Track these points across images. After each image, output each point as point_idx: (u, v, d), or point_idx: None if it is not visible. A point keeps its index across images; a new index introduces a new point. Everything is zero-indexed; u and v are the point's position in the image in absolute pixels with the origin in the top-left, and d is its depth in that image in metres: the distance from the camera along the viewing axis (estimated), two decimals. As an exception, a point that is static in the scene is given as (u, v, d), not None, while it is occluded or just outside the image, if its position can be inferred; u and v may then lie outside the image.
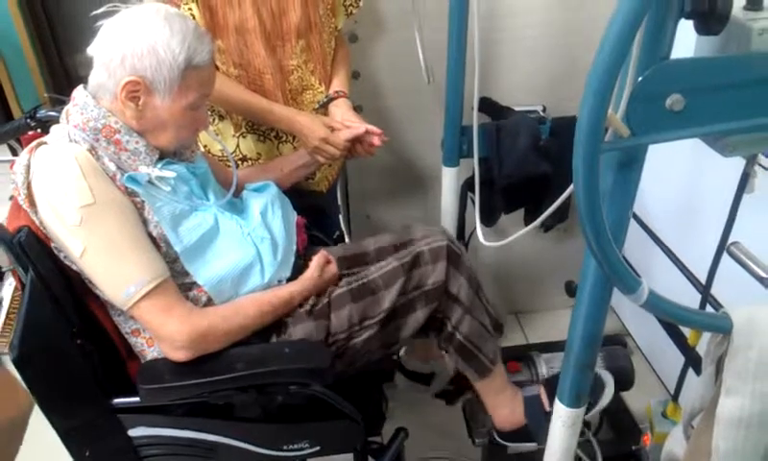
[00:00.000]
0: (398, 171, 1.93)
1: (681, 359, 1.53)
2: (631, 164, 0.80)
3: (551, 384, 1.35)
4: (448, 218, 1.71)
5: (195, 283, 1.10)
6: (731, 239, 1.23)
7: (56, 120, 1.17)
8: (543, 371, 1.52)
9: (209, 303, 1.11)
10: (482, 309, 1.29)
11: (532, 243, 2.05)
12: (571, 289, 1.91)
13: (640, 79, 0.67)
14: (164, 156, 1.14)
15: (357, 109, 1.64)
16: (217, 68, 1.39)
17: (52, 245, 1.04)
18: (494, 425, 1.40)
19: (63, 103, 1.14)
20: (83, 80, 1.12)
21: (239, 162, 1.50)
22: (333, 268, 1.26)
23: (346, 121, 1.42)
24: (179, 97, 1.07)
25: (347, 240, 1.82)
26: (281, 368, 1.04)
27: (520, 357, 1.54)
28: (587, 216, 0.71)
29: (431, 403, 1.60)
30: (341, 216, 1.93)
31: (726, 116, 0.72)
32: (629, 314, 2.10)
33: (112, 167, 1.04)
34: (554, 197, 1.75)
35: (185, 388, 1.03)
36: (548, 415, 1.24)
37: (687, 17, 0.68)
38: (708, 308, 1.43)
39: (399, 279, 1.19)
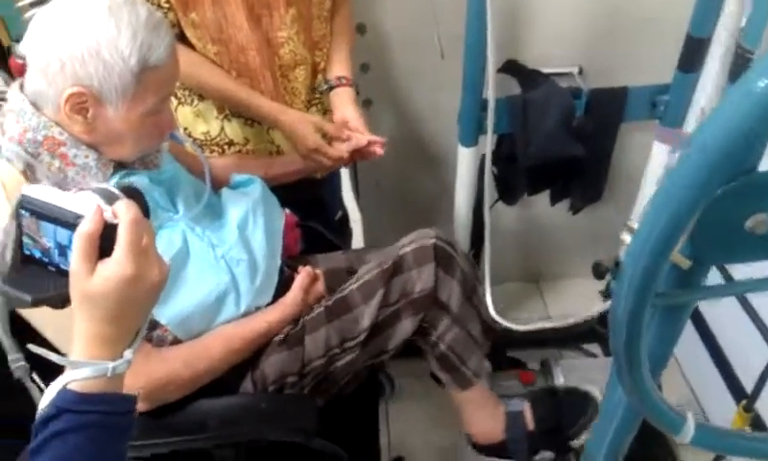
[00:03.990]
0: (411, 137, 1.72)
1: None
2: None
3: (540, 404, 1.27)
4: (463, 200, 1.51)
5: (158, 322, 0.96)
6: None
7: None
8: (561, 380, 1.38)
9: (176, 341, 0.97)
10: (473, 315, 1.15)
11: (557, 211, 1.85)
12: (600, 271, 1.72)
13: (719, 192, 0.47)
14: (122, 165, 0.96)
15: (367, 103, 1.42)
16: (192, 47, 1.17)
17: None
18: (470, 436, 1.30)
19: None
20: None
21: (225, 147, 1.31)
22: (320, 288, 1.10)
23: (346, 122, 1.22)
24: (134, 104, 0.88)
25: (351, 221, 1.64)
26: (257, 428, 0.91)
27: (533, 368, 1.40)
28: (626, 369, 0.54)
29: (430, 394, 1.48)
30: (346, 190, 1.74)
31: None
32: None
33: (52, 192, 0.87)
34: (585, 179, 1.56)
35: (148, 447, 0.91)
36: (531, 435, 1.20)
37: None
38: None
39: (379, 290, 1.05)
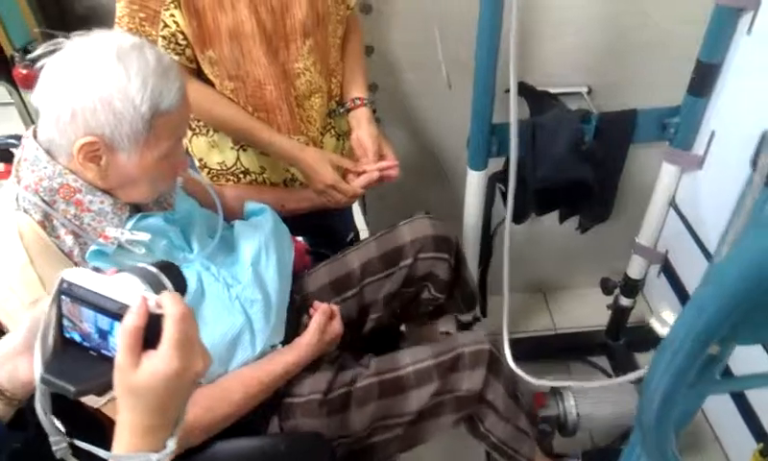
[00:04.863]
0: (419, 155, 1.72)
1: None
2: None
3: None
4: (472, 221, 1.52)
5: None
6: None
7: (16, 148, 1.00)
8: (571, 404, 1.38)
9: (192, 385, 0.98)
10: (518, 411, 1.16)
11: (563, 224, 1.85)
12: (608, 287, 1.74)
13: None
14: (138, 208, 0.97)
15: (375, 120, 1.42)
16: (211, 83, 1.17)
17: None
18: None
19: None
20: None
21: (240, 176, 1.31)
22: (337, 326, 1.10)
23: (363, 146, 1.23)
24: (147, 150, 0.88)
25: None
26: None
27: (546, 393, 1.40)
28: (652, 442, 0.55)
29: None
30: (357, 211, 1.74)
31: None
32: (658, 301, 1.93)
33: (69, 242, 0.88)
34: (593, 201, 1.56)
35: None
36: None
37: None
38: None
39: (434, 382, 1.06)
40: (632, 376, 0.95)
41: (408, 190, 1.76)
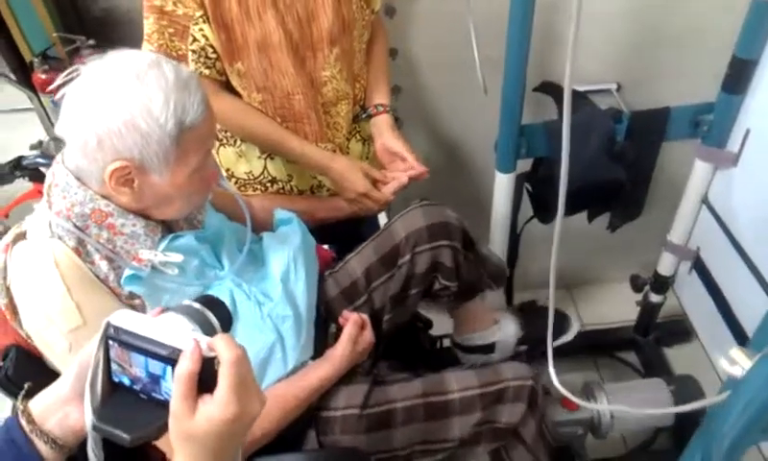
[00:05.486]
0: (442, 157, 1.70)
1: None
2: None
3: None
4: (500, 223, 1.50)
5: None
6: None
7: (46, 167, 0.99)
8: (604, 402, 1.37)
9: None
10: (544, 447, 1.15)
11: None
12: (637, 285, 1.71)
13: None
14: (169, 228, 0.96)
15: (398, 124, 1.40)
16: (239, 95, 1.16)
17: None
18: None
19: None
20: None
21: (268, 185, 1.31)
22: (368, 335, 1.10)
23: (390, 151, 1.23)
24: (178, 167, 0.86)
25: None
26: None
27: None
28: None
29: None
30: (381, 215, 1.72)
31: None
32: (688, 298, 1.90)
33: (104, 267, 0.87)
34: (625, 202, 1.53)
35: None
36: None
37: None
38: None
39: (478, 411, 1.06)
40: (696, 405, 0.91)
41: (432, 192, 1.74)
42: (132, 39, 1.60)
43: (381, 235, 1.22)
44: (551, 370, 1.07)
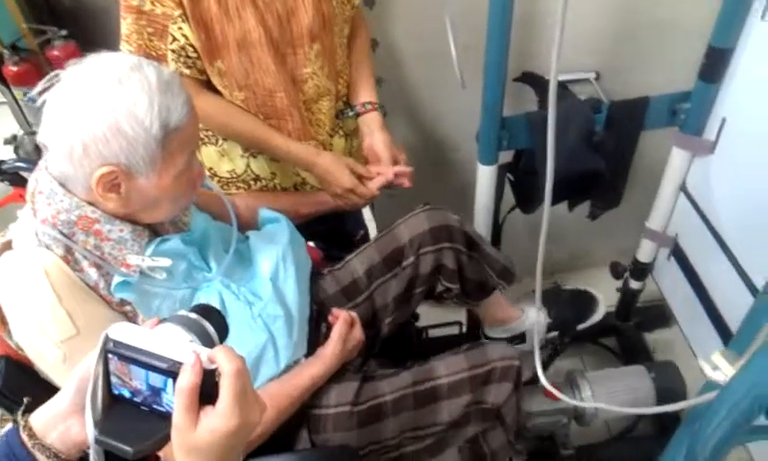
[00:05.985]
0: (425, 147, 1.70)
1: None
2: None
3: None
4: (483, 214, 1.51)
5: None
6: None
7: (26, 170, 0.97)
8: (588, 394, 1.40)
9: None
10: (515, 427, 1.18)
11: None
12: (617, 271, 1.74)
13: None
14: (155, 232, 0.95)
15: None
16: (220, 94, 1.15)
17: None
18: None
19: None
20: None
21: (251, 183, 1.30)
22: (358, 333, 1.10)
23: (375, 152, 1.23)
24: (165, 170, 0.86)
25: (371, 233, 1.64)
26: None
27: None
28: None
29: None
30: (366, 208, 1.73)
31: None
32: (667, 284, 1.94)
33: (93, 275, 0.87)
34: (605, 191, 1.55)
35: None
36: None
37: None
38: None
39: (467, 394, 1.08)
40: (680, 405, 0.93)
41: (415, 183, 1.75)
42: (105, 30, 1.56)
43: (384, 238, 1.23)
44: (537, 364, 1.09)
